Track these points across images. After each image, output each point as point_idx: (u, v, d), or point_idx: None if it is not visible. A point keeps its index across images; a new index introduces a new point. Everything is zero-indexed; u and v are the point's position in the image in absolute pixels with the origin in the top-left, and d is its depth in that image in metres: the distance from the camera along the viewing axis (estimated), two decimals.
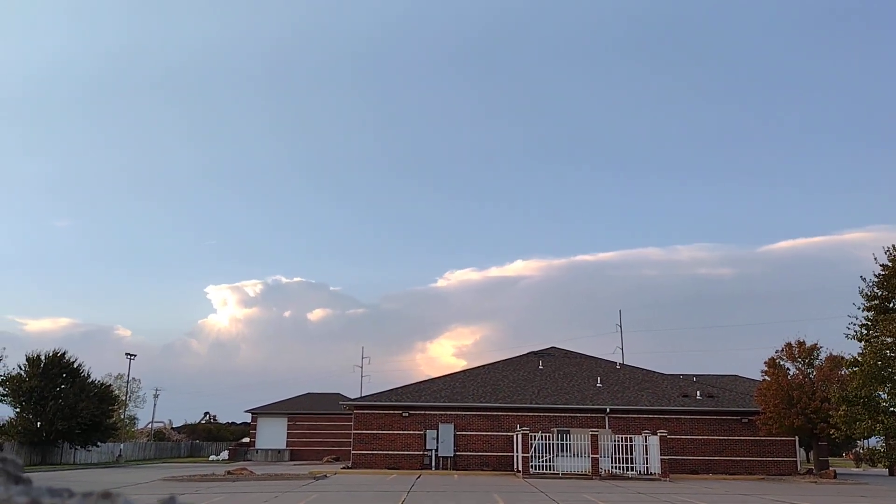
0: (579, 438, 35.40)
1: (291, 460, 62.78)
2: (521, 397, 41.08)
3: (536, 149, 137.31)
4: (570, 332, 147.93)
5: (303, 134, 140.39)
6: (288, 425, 68.17)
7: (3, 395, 19.76)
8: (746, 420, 39.48)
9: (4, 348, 37.09)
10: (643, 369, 46.58)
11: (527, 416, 39.72)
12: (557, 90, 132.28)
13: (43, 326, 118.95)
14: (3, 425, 39.04)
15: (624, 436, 35.79)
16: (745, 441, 39.58)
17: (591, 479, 33.04)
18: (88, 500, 0.58)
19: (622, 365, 48.29)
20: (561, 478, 33.22)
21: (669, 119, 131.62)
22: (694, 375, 51.86)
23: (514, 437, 37.69)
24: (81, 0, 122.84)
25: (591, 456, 34.52)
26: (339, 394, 70.51)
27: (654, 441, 34.78)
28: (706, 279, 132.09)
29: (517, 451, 36.49)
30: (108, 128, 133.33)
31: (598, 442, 34.67)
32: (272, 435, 67.58)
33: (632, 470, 34.72)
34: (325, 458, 60.09)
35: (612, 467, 34.76)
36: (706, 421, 39.95)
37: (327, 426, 67.69)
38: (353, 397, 53.28)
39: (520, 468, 35.19)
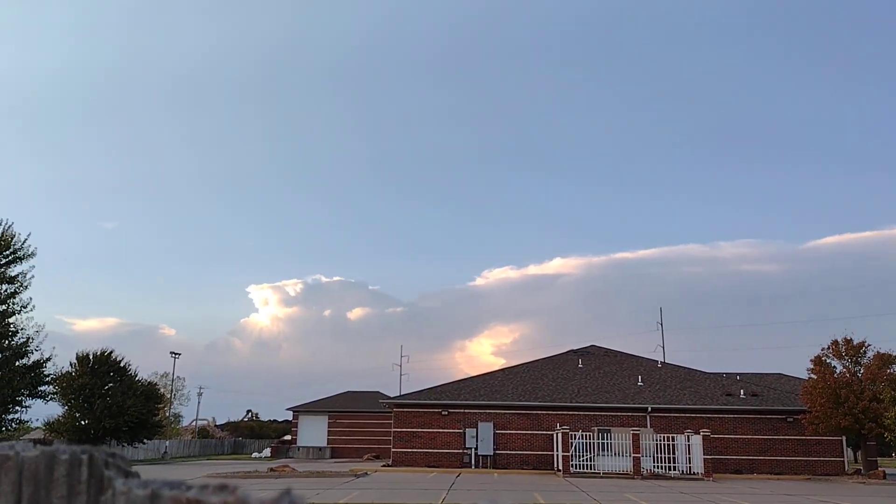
0: (620, 438, 35.11)
1: (332, 458, 63.36)
2: (561, 396, 40.89)
3: (574, 144, 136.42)
4: (610, 331, 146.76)
5: (345, 133, 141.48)
6: (328, 423, 68.77)
7: (53, 394, 20.40)
8: (792, 419, 38.77)
9: (54, 347, 38.05)
10: (685, 368, 46.04)
11: (567, 415, 39.53)
12: (609, 84, 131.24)
13: (91, 326, 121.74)
14: (53, 423, 40.13)
15: (666, 435, 35.42)
16: (791, 441, 38.88)
17: (633, 478, 32.77)
18: (205, 492, 0.59)
19: (663, 363, 47.78)
20: (602, 477, 33.01)
21: (710, 111, 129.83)
22: (737, 374, 51.08)
23: (554, 436, 37.55)
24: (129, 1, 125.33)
25: (632, 455, 34.24)
26: (378, 392, 70.96)
27: (696, 440, 34.36)
28: (750, 276, 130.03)
29: (557, 450, 36.35)
30: (153, 131, 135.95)
31: (640, 441, 34.36)
32: (313, 433, 68.24)
33: (674, 469, 34.35)
34: (366, 456, 60.52)
35: (653, 467, 34.42)
36: (750, 420, 39.33)
37: (367, 424, 68.15)
38: (392, 396, 53.57)
39: (560, 467, 35.05)
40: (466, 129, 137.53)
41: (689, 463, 34.52)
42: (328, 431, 68.57)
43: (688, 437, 35.01)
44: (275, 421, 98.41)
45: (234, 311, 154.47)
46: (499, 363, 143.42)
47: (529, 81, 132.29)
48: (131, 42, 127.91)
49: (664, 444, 34.94)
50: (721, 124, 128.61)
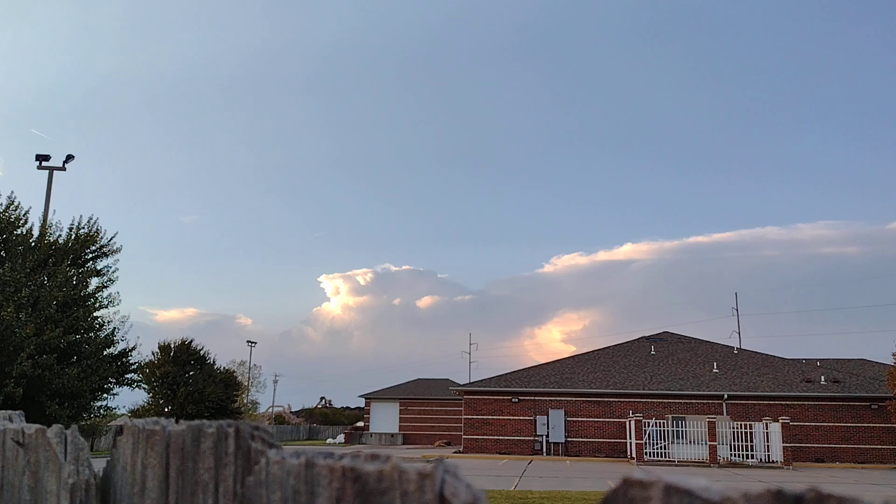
0: (695, 425, 34.50)
1: (404, 444, 64.18)
2: (634, 383, 40.38)
3: (646, 126, 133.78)
4: (684, 317, 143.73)
5: (410, 122, 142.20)
6: (400, 410, 69.64)
7: (139, 381, 21.30)
8: (877, 406, 37.36)
9: (139, 337, 39.66)
10: (762, 354, 44.82)
11: (639, 402, 39.04)
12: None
13: (172, 316, 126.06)
14: (138, 409, 41.83)
15: (743, 422, 34.64)
16: (876, 428, 37.47)
17: (709, 466, 32.18)
18: (358, 460, 0.59)
19: (740, 349, 46.64)
20: (677, 465, 32.53)
21: (785, 93, 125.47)
22: (818, 360, 49.52)
23: (627, 423, 37.14)
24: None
25: (708, 443, 33.62)
26: (448, 379, 71.41)
27: (775, 428, 33.48)
28: (831, 258, 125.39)
29: (630, 438, 35.94)
30: (228, 125, 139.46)
31: (716, 429, 33.70)
32: (385, 419, 69.24)
33: (751, 458, 33.58)
34: (437, 443, 61.07)
35: (730, 455, 33.73)
36: (832, 407, 38.06)
37: (437, 411, 68.74)
38: (461, 383, 53.88)
39: (633, 455, 34.67)
40: (536, 113, 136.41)
41: (768, 451, 33.68)
42: (400, 418, 69.44)
43: (766, 424, 34.14)
44: (347, 408, 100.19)
45: (307, 300, 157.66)
46: (569, 350, 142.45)
47: (608, 63, 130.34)
48: (198, 39, 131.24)
49: (741, 432, 34.20)
50: (800, 97, 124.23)
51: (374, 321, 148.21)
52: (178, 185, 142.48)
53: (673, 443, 34.92)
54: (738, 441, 34.16)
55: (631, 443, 35.73)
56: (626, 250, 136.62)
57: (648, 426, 35.02)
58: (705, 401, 38.80)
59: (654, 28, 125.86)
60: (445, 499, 0.57)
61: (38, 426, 0.90)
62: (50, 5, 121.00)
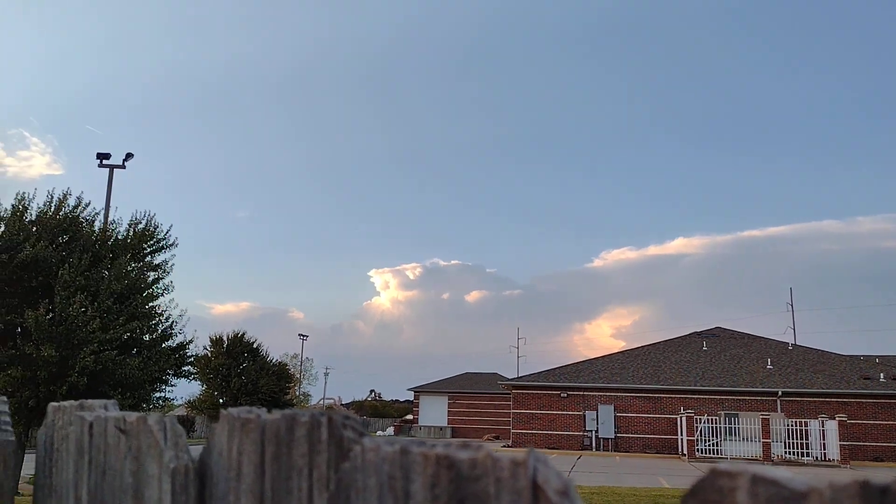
0: (749, 422, 33.93)
1: (453, 438, 64.44)
2: (685, 379, 39.83)
3: (698, 120, 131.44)
4: (736, 312, 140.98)
5: (454, 117, 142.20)
6: (448, 403, 69.90)
7: (195, 373, 21.86)
8: None
9: (196, 330, 40.71)
10: (818, 350, 43.75)
11: (691, 398, 38.49)
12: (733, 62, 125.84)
13: (227, 310, 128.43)
14: (194, 400, 42.84)
15: (798, 420, 33.91)
16: None
17: (763, 464, 31.54)
18: (451, 448, 0.60)
19: (794, 345, 45.61)
20: (729, 462, 32.02)
21: (842, 84, 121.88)
22: (877, 356, 48.14)
23: (678, 419, 36.69)
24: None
25: (761, 440, 33.01)
26: (496, 374, 71.39)
27: (831, 426, 32.70)
28: (891, 252, 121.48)
29: (681, 434, 35.51)
30: (279, 122, 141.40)
31: (770, 426, 33.07)
32: (433, 412, 69.59)
33: (807, 456, 32.87)
34: (486, 437, 61.15)
35: (784, 453, 33.07)
36: (891, 405, 36.98)
37: (486, 405, 68.81)
38: (509, 377, 53.79)
39: (685, 451, 34.25)
40: (586, 104, 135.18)
41: (824, 449, 32.93)
42: (448, 411, 69.72)
43: (822, 422, 33.36)
44: (397, 401, 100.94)
45: (358, 294, 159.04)
46: (618, 346, 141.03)
47: (671, 51, 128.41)
48: (248, 37, 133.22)
49: (796, 430, 33.50)
50: (861, 83, 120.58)
51: (422, 315, 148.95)
52: (231, 181, 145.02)
53: (725, 440, 34.38)
54: (792, 439, 33.47)
55: (682, 439, 35.29)
56: (678, 244, 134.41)
57: (700, 423, 34.54)
58: (759, 397, 38.06)
59: (718, 15, 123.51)
60: (538, 485, 0.58)
61: (138, 414, 0.96)
62: (103, 6, 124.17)
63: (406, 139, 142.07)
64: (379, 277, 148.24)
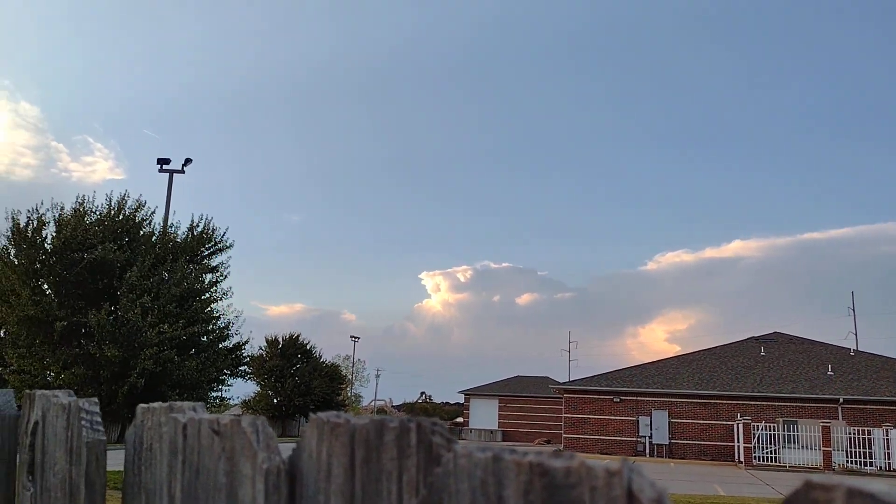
0: (808, 430, 33.07)
1: (503, 441, 64.21)
2: (741, 385, 39.01)
3: (754, 122, 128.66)
4: (795, 317, 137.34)
5: (504, 121, 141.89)
6: (499, 407, 69.72)
7: (250, 374, 22.33)
8: None
9: (251, 331, 41.63)
10: (882, 356, 42.38)
11: (748, 404, 37.67)
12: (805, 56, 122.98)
13: (281, 311, 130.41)
14: (249, 400, 43.73)
15: (860, 428, 32.91)
16: None
17: (824, 473, 30.74)
18: (543, 457, 0.62)
19: (856, 351, 44.26)
20: (788, 471, 31.22)
21: None
22: None
23: (735, 426, 35.95)
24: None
25: (822, 449, 32.13)
26: (547, 377, 70.96)
27: None
28: None
29: (738, 441, 34.79)
30: (332, 127, 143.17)
31: (831, 434, 32.17)
32: (484, 415, 69.48)
33: (870, 465, 31.87)
34: (537, 441, 60.82)
35: (846, 462, 32.11)
36: None
37: (536, 409, 68.45)
38: (561, 381, 53.43)
39: (741, 459, 33.54)
40: (639, 107, 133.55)
41: (889, 459, 31.88)
42: (499, 415, 69.53)
43: (886, 431, 32.32)
44: (447, 403, 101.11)
45: (409, 297, 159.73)
46: (673, 350, 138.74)
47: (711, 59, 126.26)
48: (304, 42, 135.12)
49: (859, 438, 32.51)
50: None
51: (473, 318, 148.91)
52: (285, 185, 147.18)
53: (784, 447, 33.57)
54: (855, 447, 32.50)
55: (739, 446, 34.57)
56: (735, 247, 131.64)
57: (757, 429, 33.79)
58: (819, 404, 37.03)
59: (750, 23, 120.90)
60: (633, 494, 0.59)
61: (231, 416, 1.01)
62: (163, 14, 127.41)
63: (459, 142, 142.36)
64: (430, 280, 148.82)
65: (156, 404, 1.26)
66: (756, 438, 33.53)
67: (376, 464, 0.87)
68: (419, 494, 0.80)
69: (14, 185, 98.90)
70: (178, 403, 1.21)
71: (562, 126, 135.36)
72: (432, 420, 0.87)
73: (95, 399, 1.39)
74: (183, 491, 1.08)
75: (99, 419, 1.37)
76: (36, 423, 1.57)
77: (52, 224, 17.72)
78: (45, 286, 17.43)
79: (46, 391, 1.54)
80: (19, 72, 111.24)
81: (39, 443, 1.50)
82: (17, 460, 1.70)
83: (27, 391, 1.63)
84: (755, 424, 33.92)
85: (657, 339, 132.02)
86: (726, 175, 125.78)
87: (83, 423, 1.34)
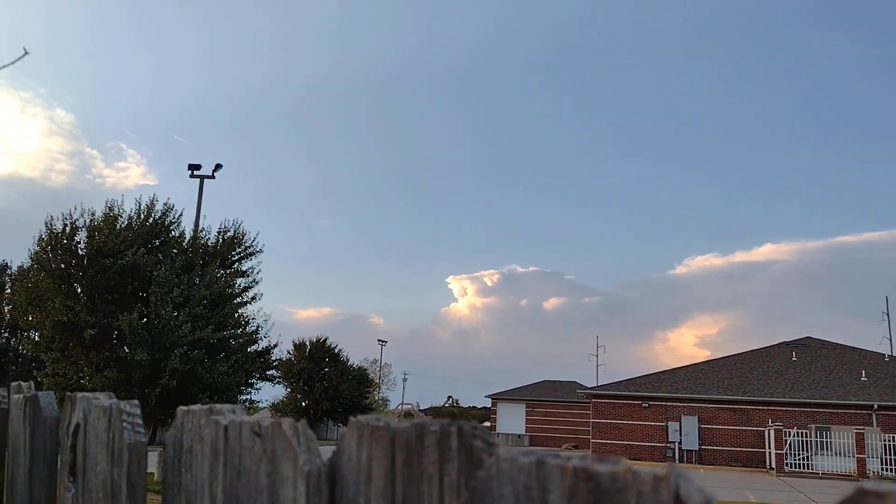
0: (841, 436, 32.52)
1: (531, 446, 63.94)
2: (773, 391, 38.47)
3: (787, 122, 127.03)
4: (828, 322, 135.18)
5: (532, 126, 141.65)
6: (526, 411, 69.47)
7: (279, 377, 22.51)
8: None
9: (280, 335, 41.98)
10: None
11: (779, 410, 37.14)
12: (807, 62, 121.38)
13: (309, 315, 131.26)
14: (278, 403, 44.06)
15: None
16: None
17: (857, 480, 30.21)
18: (587, 461, 0.62)
19: (891, 357, 43.46)
20: (821, 478, 30.73)
21: None
22: None
23: (766, 432, 35.47)
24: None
25: (855, 456, 31.58)
26: (575, 382, 70.60)
27: None
28: None
29: (769, 448, 34.32)
30: (359, 132, 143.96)
31: (865, 441, 31.61)
32: (511, 420, 69.27)
33: None
34: (564, 446, 60.49)
35: (881, 469, 31.53)
36: None
37: (564, 413, 68.07)
38: (588, 386, 53.07)
39: (773, 465, 33.08)
40: (675, 107, 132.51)
41: None
42: (526, 419, 69.27)
43: None
44: (474, 407, 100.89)
45: (436, 301, 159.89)
46: (703, 355, 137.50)
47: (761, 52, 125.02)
48: (327, 50, 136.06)
49: (894, 445, 31.91)
50: None
51: (500, 322, 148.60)
52: (314, 190, 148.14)
53: (816, 454, 33.04)
54: (890, 454, 31.89)
55: (770, 452, 34.11)
56: (766, 251, 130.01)
57: (789, 436, 33.31)
58: (852, 411, 36.40)
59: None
60: (681, 500, 0.59)
61: (272, 419, 1.02)
62: (193, 21, 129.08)
63: (484, 146, 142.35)
64: (457, 284, 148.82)
65: (195, 406, 1.28)
66: (788, 445, 33.06)
67: (417, 467, 0.87)
68: (461, 498, 0.80)
69: (50, 190, 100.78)
70: (218, 406, 1.23)
71: (590, 129, 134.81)
72: (472, 424, 0.87)
73: (136, 401, 1.41)
74: (225, 492, 1.10)
75: (140, 421, 1.39)
76: (77, 424, 1.60)
77: (83, 230, 18.00)
78: (78, 290, 17.71)
79: (87, 393, 1.57)
80: (54, 80, 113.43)
81: (81, 444, 1.53)
82: (59, 461, 1.73)
83: (68, 393, 1.65)
84: (787, 431, 33.45)
85: (686, 343, 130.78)
86: (756, 178, 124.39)
87: (125, 424, 1.36)
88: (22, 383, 1.97)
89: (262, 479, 1.02)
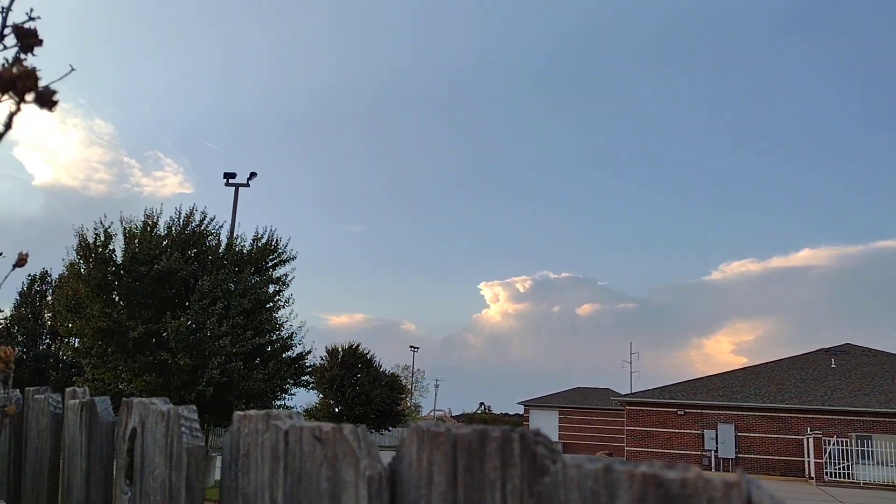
0: (884, 445, 31.82)
1: (563, 453, 63.48)
2: (811, 398, 37.78)
3: (824, 126, 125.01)
4: (868, 328, 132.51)
5: (566, 130, 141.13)
6: (559, 418, 69.08)
7: (312, 383, 22.68)
8: None
9: (314, 341, 42.35)
10: None
11: (818, 418, 36.45)
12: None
13: (342, 322, 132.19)
14: (311, 409, 44.29)
15: None
16: None
17: None
18: (655, 468, 0.63)
19: None
20: (862, 488, 30.09)
21: None
22: None
23: (805, 440, 34.85)
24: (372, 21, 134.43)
25: None
26: (609, 389, 70.04)
27: None
28: None
29: (808, 456, 33.70)
30: (393, 139, 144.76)
31: None
32: (544, 427, 68.67)
33: None
34: (598, 453, 59.45)
35: None
36: None
37: (597, 421, 67.57)
38: (622, 393, 52.64)
39: (812, 474, 32.47)
40: (701, 110, 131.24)
41: None
42: (559, 426, 68.88)
43: None
44: (506, 414, 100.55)
45: (468, 307, 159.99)
46: (739, 362, 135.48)
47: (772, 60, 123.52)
48: (353, 59, 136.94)
49: None
50: None
51: (532, 328, 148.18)
52: (347, 197, 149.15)
53: (857, 463, 32.36)
54: None
55: (809, 461, 33.49)
56: (804, 256, 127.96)
57: (829, 444, 32.68)
58: (895, 419, 35.60)
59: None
60: None
61: (332, 424, 1.04)
62: (226, 32, 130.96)
63: (514, 153, 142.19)
64: (488, 290, 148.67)
65: (252, 412, 1.31)
66: (827, 454, 32.43)
67: (479, 473, 0.89)
68: (526, 503, 0.81)
69: (89, 199, 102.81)
70: (275, 411, 1.25)
71: (619, 132, 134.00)
72: (535, 430, 0.88)
73: (193, 406, 1.44)
74: (285, 496, 1.12)
75: (197, 425, 1.42)
76: (134, 429, 1.63)
77: (119, 237, 18.31)
78: (116, 297, 18.02)
79: (144, 399, 1.61)
80: (94, 91, 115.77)
81: (139, 448, 1.57)
82: (115, 465, 1.77)
83: (124, 399, 1.69)
84: (826, 439, 32.83)
85: (722, 350, 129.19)
86: (794, 182, 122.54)
87: (183, 429, 1.39)
88: (77, 388, 2.02)
89: (322, 483, 1.04)
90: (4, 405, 2.42)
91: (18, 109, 0.80)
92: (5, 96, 0.80)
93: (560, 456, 0.79)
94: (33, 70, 0.78)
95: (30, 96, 0.80)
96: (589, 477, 0.73)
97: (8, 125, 0.81)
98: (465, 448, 0.90)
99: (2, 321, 33.71)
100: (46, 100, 0.80)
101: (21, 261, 1.28)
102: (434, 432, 0.95)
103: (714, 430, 38.15)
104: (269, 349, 18.93)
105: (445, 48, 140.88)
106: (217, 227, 19.58)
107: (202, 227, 19.07)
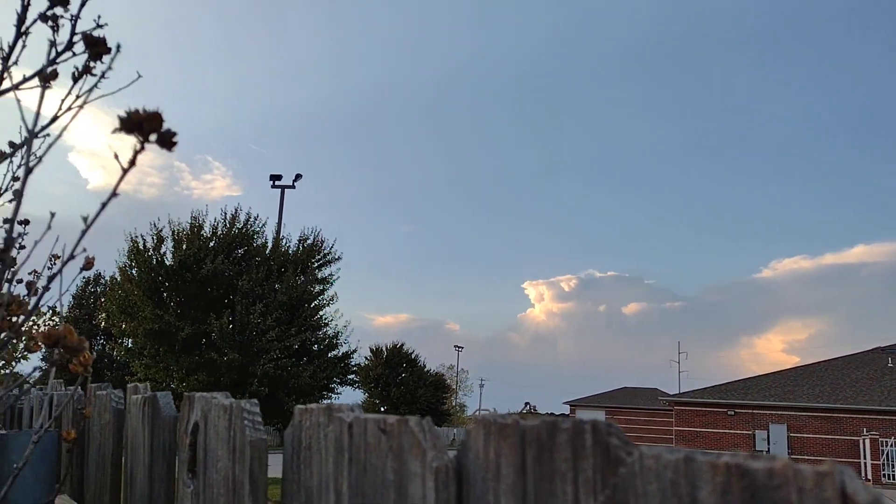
0: None
1: None
2: (867, 398, 36.79)
3: (875, 118, 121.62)
4: None
5: (622, 125, 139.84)
6: (605, 418, 67.94)
7: (357, 382, 22.94)
8: None
9: (359, 340, 42.67)
10: None
11: (874, 419, 35.48)
12: None
13: (387, 321, 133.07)
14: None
15: None
16: None
17: None
18: (738, 458, 0.61)
19: None
20: None
21: None
22: None
23: (861, 441, 33.95)
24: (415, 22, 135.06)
25: None
26: (656, 389, 69.23)
27: None
28: None
29: (864, 458, 32.83)
30: (441, 140, 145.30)
31: None
32: None
33: None
34: None
35: None
36: None
37: (645, 421, 66.84)
38: (670, 393, 51.95)
39: (868, 476, 31.63)
40: (754, 109, 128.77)
41: None
42: None
43: None
44: (552, 413, 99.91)
45: (512, 306, 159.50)
46: (791, 361, 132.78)
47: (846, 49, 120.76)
48: (401, 60, 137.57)
49: None
50: None
51: (578, 327, 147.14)
52: (397, 197, 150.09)
53: None
54: None
55: (866, 463, 32.62)
56: (858, 252, 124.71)
57: (886, 446, 31.79)
58: None
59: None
60: (848, 496, 0.58)
61: (396, 416, 1.04)
62: (276, 38, 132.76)
63: (564, 150, 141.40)
64: (533, 289, 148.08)
65: (313, 405, 1.31)
66: (885, 455, 31.56)
67: (549, 464, 0.87)
68: (599, 495, 0.80)
69: (141, 202, 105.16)
70: (337, 404, 1.26)
71: (673, 132, 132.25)
72: (607, 422, 0.87)
73: (255, 400, 1.45)
74: (350, 487, 1.12)
75: (260, 419, 1.44)
76: (196, 423, 1.66)
77: (169, 240, 18.68)
78: (166, 298, 18.40)
79: (205, 394, 1.63)
80: (143, 95, 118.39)
81: (201, 441, 1.59)
82: (177, 459, 1.80)
83: (186, 394, 1.72)
84: (884, 440, 31.95)
85: (774, 349, 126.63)
86: (848, 176, 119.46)
87: (245, 422, 1.41)
88: (139, 385, 2.06)
89: (388, 474, 1.04)
90: (83, 406, 2.48)
91: (142, 149, 0.84)
92: (131, 135, 0.85)
93: (636, 447, 0.77)
94: (158, 113, 0.81)
95: (153, 136, 0.84)
96: (668, 468, 0.71)
97: (132, 163, 0.86)
98: (535, 440, 0.89)
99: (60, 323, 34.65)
100: (167, 140, 0.85)
101: (88, 264, 1.31)
102: (501, 424, 0.94)
103: (766, 431, 37.41)
104: (315, 348, 19.14)
105: (516, 40, 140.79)
106: (261, 226, 19.86)
107: (247, 228, 19.37)
